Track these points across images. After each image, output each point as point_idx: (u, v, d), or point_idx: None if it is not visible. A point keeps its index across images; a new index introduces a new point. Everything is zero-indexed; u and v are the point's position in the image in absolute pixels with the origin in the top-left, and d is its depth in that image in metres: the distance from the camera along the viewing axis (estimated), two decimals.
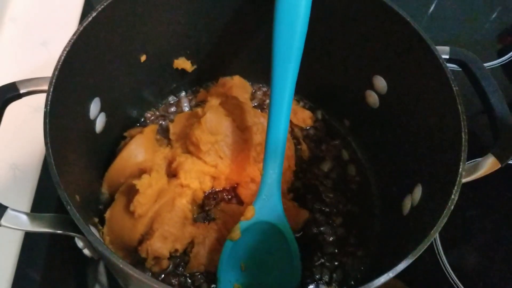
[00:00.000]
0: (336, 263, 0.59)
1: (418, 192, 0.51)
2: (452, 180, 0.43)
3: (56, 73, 0.45)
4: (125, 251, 0.56)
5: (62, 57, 0.45)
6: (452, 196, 0.42)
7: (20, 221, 0.41)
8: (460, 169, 0.43)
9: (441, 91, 0.49)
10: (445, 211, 0.41)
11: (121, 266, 0.36)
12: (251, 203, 0.58)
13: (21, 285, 0.57)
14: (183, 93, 0.70)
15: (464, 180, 0.44)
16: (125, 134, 0.63)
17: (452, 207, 0.41)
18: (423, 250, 0.39)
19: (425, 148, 0.52)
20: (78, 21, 0.79)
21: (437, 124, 0.51)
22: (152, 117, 0.68)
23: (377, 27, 0.54)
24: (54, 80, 0.44)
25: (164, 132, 0.67)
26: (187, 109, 0.69)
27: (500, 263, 0.63)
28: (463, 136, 0.45)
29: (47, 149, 0.41)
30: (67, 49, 0.46)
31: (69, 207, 0.38)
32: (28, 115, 0.68)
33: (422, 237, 0.40)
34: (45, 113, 0.43)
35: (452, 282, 0.61)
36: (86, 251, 0.47)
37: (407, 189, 0.54)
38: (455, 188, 0.42)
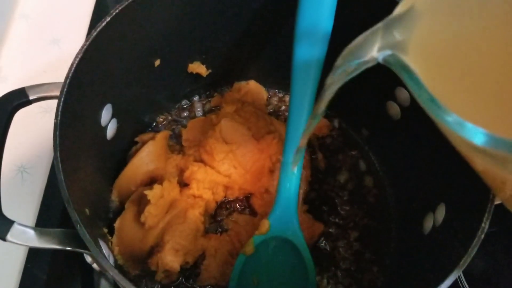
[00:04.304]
0: (351, 279, 0.57)
1: (441, 211, 0.48)
2: (482, 206, 0.40)
3: (68, 81, 0.43)
4: (135, 261, 0.55)
5: (74, 64, 0.43)
6: (483, 224, 0.39)
7: (27, 237, 0.40)
8: (492, 195, 0.40)
9: None
10: (474, 241, 0.38)
11: None
12: (264, 214, 0.56)
13: (28, 285, 0.56)
14: (196, 97, 0.68)
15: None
16: (137, 139, 0.61)
17: (483, 236, 0.38)
18: (452, 282, 0.37)
19: (450, 167, 0.49)
20: (90, 18, 0.77)
21: None
22: (164, 122, 0.66)
23: None
24: (65, 89, 0.42)
25: (176, 137, 0.65)
26: (200, 113, 0.67)
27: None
28: None
29: (56, 164, 0.39)
30: (79, 55, 0.44)
31: (78, 226, 0.37)
32: (38, 116, 0.66)
33: (447, 267, 0.38)
34: (55, 124, 0.41)
35: (461, 287, 0.58)
36: (95, 266, 0.46)
37: (429, 207, 0.51)
38: (486, 215, 0.39)
